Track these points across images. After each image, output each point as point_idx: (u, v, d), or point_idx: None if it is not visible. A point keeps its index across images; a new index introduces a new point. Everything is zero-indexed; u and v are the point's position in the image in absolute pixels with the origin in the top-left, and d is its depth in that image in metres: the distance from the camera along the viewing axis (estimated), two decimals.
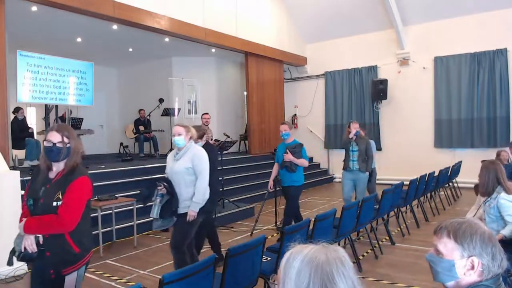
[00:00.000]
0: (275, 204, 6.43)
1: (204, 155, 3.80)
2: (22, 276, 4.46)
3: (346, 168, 6.20)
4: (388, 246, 5.35)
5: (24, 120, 8.31)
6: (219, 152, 7.26)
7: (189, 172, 3.70)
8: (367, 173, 6.13)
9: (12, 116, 8.23)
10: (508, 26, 9.47)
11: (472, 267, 1.30)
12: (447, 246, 1.34)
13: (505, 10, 9.45)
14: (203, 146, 4.25)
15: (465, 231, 1.32)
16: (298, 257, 1.00)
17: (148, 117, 10.90)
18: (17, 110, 8.11)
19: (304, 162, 5.40)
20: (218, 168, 7.34)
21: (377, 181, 10.88)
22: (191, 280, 2.33)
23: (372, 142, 6.70)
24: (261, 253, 3.05)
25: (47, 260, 2.32)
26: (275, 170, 5.72)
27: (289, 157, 5.25)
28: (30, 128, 8.36)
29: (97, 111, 11.85)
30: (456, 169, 8.63)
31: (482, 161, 3.64)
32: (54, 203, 2.28)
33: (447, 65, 10.33)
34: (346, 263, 0.99)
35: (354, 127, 6.26)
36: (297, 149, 5.36)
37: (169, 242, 3.87)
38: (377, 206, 5.25)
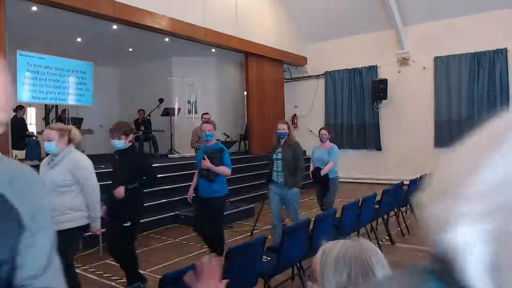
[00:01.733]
0: None
1: (86, 164, 3.39)
2: None
3: (271, 180, 5.09)
4: (388, 246, 5.34)
5: (23, 119, 8.31)
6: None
7: (66, 184, 3.25)
8: (296, 190, 4.96)
9: (12, 114, 8.24)
10: (508, 26, 9.46)
11: None
12: None
13: (505, 10, 9.44)
14: (128, 148, 3.88)
15: None
16: (335, 249, 1.05)
17: (148, 117, 10.91)
18: (19, 108, 8.12)
19: (224, 171, 4.44)
20: None
21: (377, 181, 11.07)
22: None
23: (335, 147, 5.79)
24: (261, 253, 3.05)
25: None
26: (195, 178, 4.74)
27: (206, 164, 4.34)
28: (28, 131, 8.34)
29: (97, 111, 11.84)
30: None
31: None
32: None
33: (447, 65, 10.32)
34: (379, 253, 1.06)
35: (280, 128, 5.02)
36: (217, 154, 4.46)
37: (169, 242, 3.87)
38: (377, 206, 5.25)
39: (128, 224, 3.76)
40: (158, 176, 7.61)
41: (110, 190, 3.79)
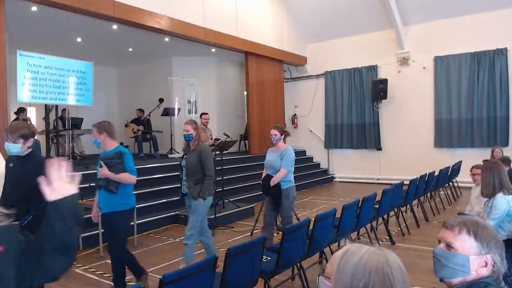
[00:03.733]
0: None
1: None
2: None
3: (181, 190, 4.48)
4: (388, 246, 5.34)
5: (25, 122, 8.30)
6: (218, 152, 7.25)
7: None
8: (203, 201, 4.25)
9: (13, 117, 8.24)
10: (508, 26, 9.47)
11: (486, 265, 1.36)
12: (465, 243, 1.38)
13: (505, 10, 9.44)
14: (26, 155, 3.15)
15: (484, 230, 1.37)
16: (357, 254, 1.01)
17: (148, 117, 10.91)
18: (21, 110, 8.10)
19: (127, 178, 3.71)
20: (218, 168, 7.38)
21: (378, 181, 11.08)
22: (191, 280, 2.33)
23: (288, 150, 4.79)
24: (261, 253, 3.05)
25: None
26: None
27: (103, 172, 3.64)
28: None
29: (97, 111, 11.83)
30: (456, 169, 8.63)
31: (484, 161, 3.64)
32: None
33: (447, 65, 10.33)
34: (403, 269, 1.01)
35: (184, 129, 4.34)
36: (117, 159, 3.70)
37: (169, 242, 3.86)
38: (377, 206, 5.25)
39: None
40: (158, 176, 7.73)
41: None
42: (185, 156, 4.41)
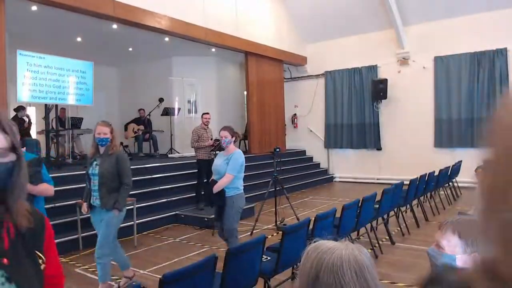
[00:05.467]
0: (275, 203, 6.43)
1: None
2: None
3: (89, 203, 3.87)
4: (388, 246, 5.35)
5: (23, 120, 8.30)
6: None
7: None
8: (117, 212, 3.77)
9: (12, 114, 8.24)
10: (508, 26, 9.47)
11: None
12: (450, 242, 1.39)
13: (505, 10, 9.44)
14: None
15: (470, 229, 1.36)
16: (316, 250, 1.03)
17: (148, 117, 10.92)
18: (20, 109, 8.10)
19: (45, 190, 3.13)
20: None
21: (378, 181, 11.10)
22: (191, 280, 2.33)
23: (237, 154, 4.24)
24: (261, 253, 3.06)
25: None
26: None
27: None
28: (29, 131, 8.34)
29: (97, 111, 11.83)
30: (456, 168, 8.63)
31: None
32: None
33: (447, 65, 10.33)
34: (362, 262, 1.01)
35: (100, 132, 3.74)
36: (34, 168, 3.02)
37: (169, 242, 3.86)
38: (377, 206, 5.25)
39: None
40: (158, 175, 7.73)
41: None
42: (94, 162, 3.79)
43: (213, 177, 4.33)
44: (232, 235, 4.20)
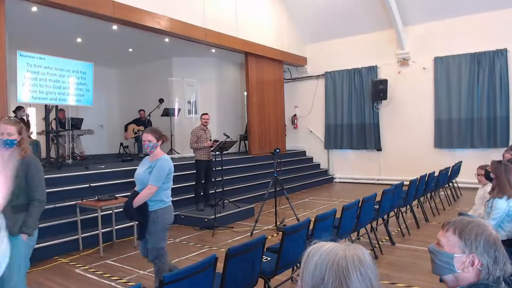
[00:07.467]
0: (275, 204, 6.43)
1: None
2: None
3: None
4: (388, 246, 5.34)
5: (22, 120, 8.30)
6: (217, 152, 7.25)
7: None
8: (27, 238, 2.84)
9: (12, 115, 8.23)
10: (508, 26, 9.47)
11: (472, 264, 1.36)
12: (450, 241, 1.40)
13: (505, 10, 9.45)
14: None
15: (472, 230, 1.37)
16: (318, 252, 1.03)
17: (148, 118, 10.92)
18: (19, 109, 8.10)
19: None
20: (218, 168, 7.39)
21: (378, 182, 11.11)
22: (191, 280, 2.33)
23: (162, 160, 3.52)
24: (261, 253, 3.05)
25: None
26: None
27: None
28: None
29: (97, 111, 11.85)
30: (456, 169, 8.63)
31: (493, 162, 3.58)
32: None
33: (447, 65, 10.33)
34: (365, 262, 1.01)
35: (3, 132, 2.88)
36: None
37: (169, 242, 3.83)
38: (377, 206, 5.25)
39: None
40: None
41: None
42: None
43: (136, 187, 3.59)
44: (158, 255, 3.51)
